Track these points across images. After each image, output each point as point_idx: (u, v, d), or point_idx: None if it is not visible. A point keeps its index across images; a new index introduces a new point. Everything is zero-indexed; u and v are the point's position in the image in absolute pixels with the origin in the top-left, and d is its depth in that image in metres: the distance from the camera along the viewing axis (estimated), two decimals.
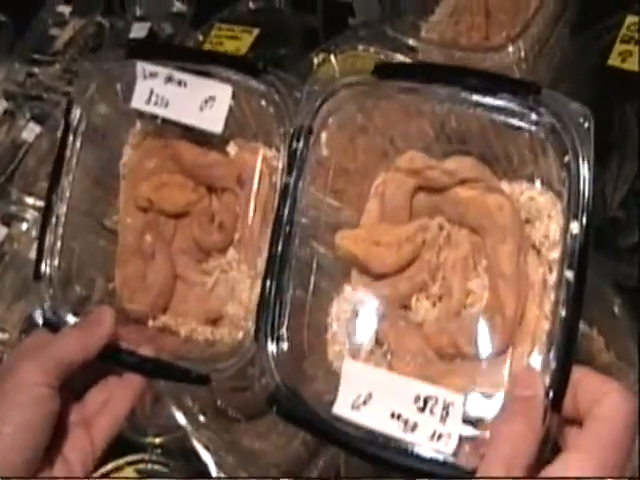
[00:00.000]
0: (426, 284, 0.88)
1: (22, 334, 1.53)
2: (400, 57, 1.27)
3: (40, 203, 1.57)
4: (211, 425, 1.22)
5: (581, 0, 1.27)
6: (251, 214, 0.99)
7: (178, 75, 0.99)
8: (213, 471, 1.19)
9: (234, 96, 0.97)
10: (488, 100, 0.80)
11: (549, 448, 0.69)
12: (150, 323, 1.05)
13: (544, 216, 0.84)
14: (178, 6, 1.87)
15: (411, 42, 1.27)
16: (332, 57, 1.33)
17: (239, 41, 1.60)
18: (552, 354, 0.73)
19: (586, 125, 0.76)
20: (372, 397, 0.80)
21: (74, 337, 0.90)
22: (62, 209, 1.04)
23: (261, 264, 0.93)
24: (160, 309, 1.06)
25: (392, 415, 0.78)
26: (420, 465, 0.76)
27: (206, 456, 1.19)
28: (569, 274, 0.73)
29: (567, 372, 0.71)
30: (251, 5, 1.70)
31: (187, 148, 1.04)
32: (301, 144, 0.89)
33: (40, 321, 0.99)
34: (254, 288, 0.95)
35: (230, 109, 0.97)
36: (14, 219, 1.68)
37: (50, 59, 1.92)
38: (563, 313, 0.73)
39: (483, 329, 0.82)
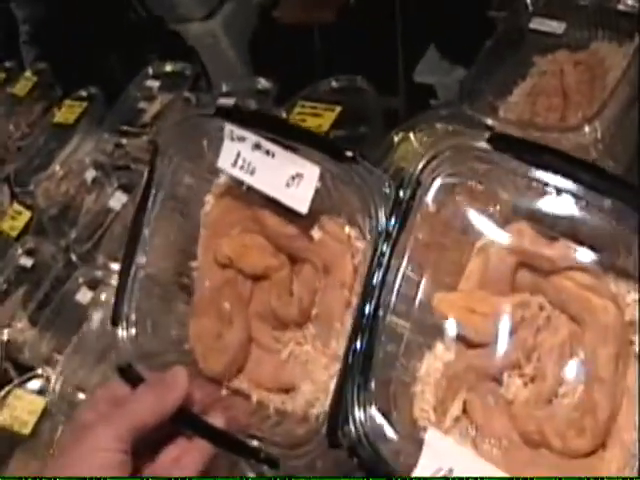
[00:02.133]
0: (520, 363, 0.88)
1: None
2: None
3: None
4: None
5: None
6: (331, 293, 1.01)
7: (266, 144, 1.00)
8: None
9: (320, 176, 0.97)
10: (600, 201, 0.82)
11: None
12: (224, 384, 1.07)
13: None
14: (263, 83, 1.93)
15: (489, 121, 1.30)
16: (411, 135, 1.35)
17: (321, 118, 1.63)
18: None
19: None
20: (453, 473, 0.81)
21: (148, 400, 0.91)
22: (141, 266, 1.09)
23: (335, 343, 0.96)
24: (234, 372, 1.07)
25: None
26: None
27: None
28: None
29: None
30: (334, 83, 1.74)
31: (270, 214, 1.05)
32: (408, 195, 0.90)
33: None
34: (328, 369, 0.98)
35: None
36: (100, 284, 1.72)
37: (138, 131, 1.98)
38: None
39: (573, 426, 0.82)
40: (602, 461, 0.81)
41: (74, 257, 1.83)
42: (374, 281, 0.89)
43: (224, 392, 1.06)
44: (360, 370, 0.88)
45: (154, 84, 2.09)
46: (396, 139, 1.40)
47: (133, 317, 1.08)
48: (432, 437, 0.85)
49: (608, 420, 0.81)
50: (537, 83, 1.40)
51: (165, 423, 0.91)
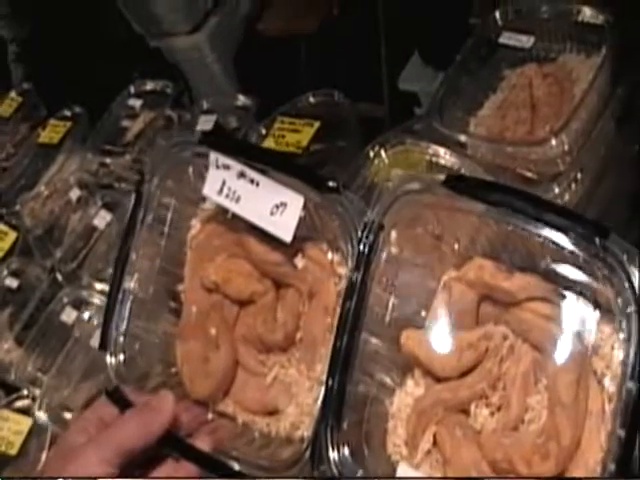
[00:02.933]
0: (486, 393, 0.90)
1: None
2: (448, 154, 1.31)
3: None
4: None
5: (626, 93, 1.31)
6: (315, 319, 1.03)
7: (251, 173, 1.02)
8: None
9: (304, 204, 1.00)
10: (555, 236, 0.84)
11: None
12: (210, 407, 1.08)
13: (607, 345, 0.86)
14: (242, 100, 1.94)
15: (460, 138, 1.32)
16: (382, 152, 1.36)
17: (300, 134, 1.64)
18: None
19: None
20: None
21: (135, 424, 0.92)
22: (129, 290, 1.11)
23: (320, 369, 0.98)
24: (220, 395, 1.09)
25: None
26: None
27: None
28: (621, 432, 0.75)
29: None
30: (311, 99, 1.75)
31: (255, 241, 1.07)
32: (371, 239, 0.93)
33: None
34: (313, 392, 1.00)
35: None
36: (84, 303, 1.73)
37: (121, 150, 1.99)
38: (617, 447, 0.75)
39: (538, 451, 0.84)
40: None
41: (60, 277, 1.84)
42: (347, 324, 0.92)
43: (210, 415, 1.08)
44: (333, 411, 0.90)
45: (136, 103, 2.10)
46: (371, 153, 1.40)
47: (121, 340, 1.10)
48: (403, 472, 0.88)
49: (571, 444, 0.82)
50: (507, 96, 1.41)
51: (152, 446, 0.92)
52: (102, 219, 1.91)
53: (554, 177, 1.27)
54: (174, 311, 1.16)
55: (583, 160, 1.27)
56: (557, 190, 1.25)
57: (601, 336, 0.87)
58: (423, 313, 0.97)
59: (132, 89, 2.13)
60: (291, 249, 1.06)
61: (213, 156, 1.04)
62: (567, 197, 1.27)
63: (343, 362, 0.91)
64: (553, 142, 1.22)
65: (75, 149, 2.11)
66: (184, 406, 1.01)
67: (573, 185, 1.27)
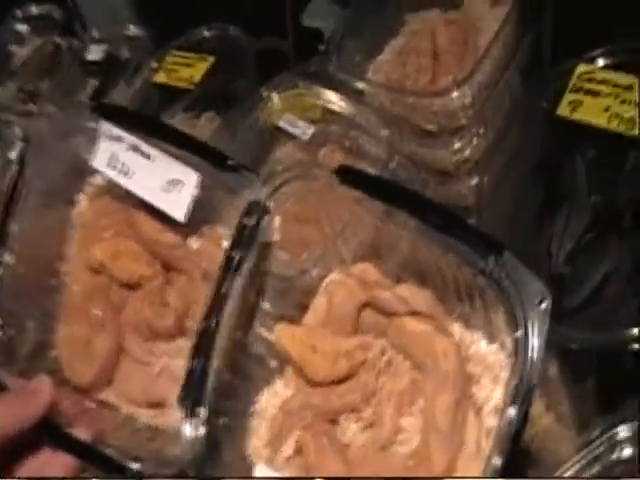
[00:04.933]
0: (358, 406, 0.85)
1: None
2: (344, 101, 1.24)
3: None
4: None
5: (532, 46, 1.25)
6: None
7: (144, 146, 0.95)
8: None
9: (201, 183, 0.94)
10: (450, 241, 0.78)
11: None
12: (91, 395, 1.02)
13: (490, 376, 0.81)
14: (134, 30, 1.84)
15: (358, 84, 1.24)
16: (275, 94, 1.29)
17: (193, 68, 1.56)
18: None
19: (543, 307, 0.73)
20: None
21: (9, 407, 0.86)
22: (7, 266, 1.02)
23: None
24: (102, 383, 1.02)
25: None
26: None
27: None
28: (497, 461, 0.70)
29: None
30: (206, 33, 1.66)
31: (146, 219, 1.01)
32: (253, 221, 0.87)
33: None
34: None
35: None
36: None
37: (5, 77, 1.88)
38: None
39: (408, 474, 0.78)
40: None
41: None
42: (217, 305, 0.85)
43: (91, 404, 1.01)
44: (192, 395, 0.83)
45: (23, 27, 1.98)
46: (265, 94, 1.33)
47: None
48: (261, 472, 0.82)
49: (444, 472, 0.76)
50: (408, 42, 1.34)
51: (27, 433, 0.85)
52: None
53: (455, 130, 1.21)
54: (55, 290, 1.07)
55: (487, 114, 1.21)
56: (458, 144, 1.21)
57: (486, 364, 0.81)
58: (298, 310, 0.91)
59: (19, 13, 2.01)
60: (185, 229, 1.00)
61: (104, 126, 0.98)
62: (468, 152, 1.22)
63: (208, 344, 0.84)
64: (455, 94, 1.15)
65: None
66: (63, 393, 0.94)
67: (475, 139, 1.21)
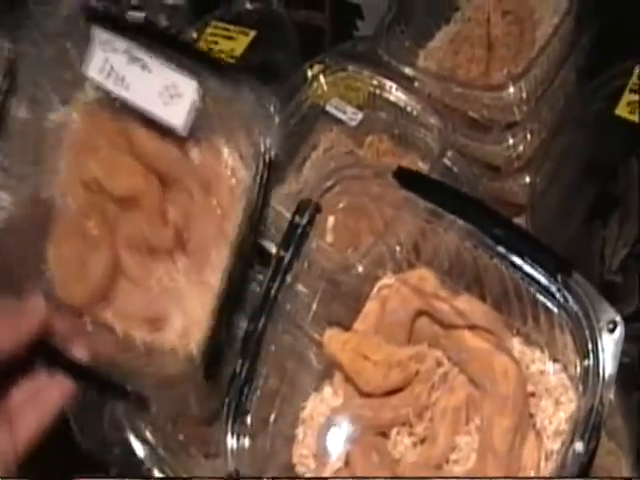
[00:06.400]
0: (410, 420, 0.80)
1: None
2: (394, 87, 1.20)
3: None
4: (170, 460, 1.13)
5: (589, 44, 1.22)
6: (207, 220, 0.95)
7: (142, 56, 0.92)
8: None
9: (200, 94, 0.90)
10: (513, 258, 0.74)
11: None
12: (86, 315, 0.99)
13: (552, 398, 0.76)
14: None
15: (408, 71, 1.21)
16: (322, 76, 1.26)
17: (234, 41, 1.53)
18: None
19: (616, 335, 0.69)
20: None
21: (1, 327, 0.84)
22: None
23: (210, 273, 0.90)
24: (98, 302, 0.99)
25: None
26: None
27: None
28: None
29: None
30: (248, 5, 1.63)
31: (143, 132, 0.97)
32: (305, 221, 0.83)
33: None
34: (201, 299, 0.92)
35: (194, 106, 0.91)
36: None
37: None
38: None
39: None
40: None
41: None
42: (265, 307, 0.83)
43: (87, 325, 0.98)
44: (236, 402, 0.81)
45: None
46: (309, 74, 1.29)
47: None
48: None
49: None
50: (461, 30, 1.31)
51: (22, 355, 0.84)
52: None
53: (508, 126, 1.18)
54: (47, 211, 1.03)
55: (541, 111, 1.18)
56: (511, 141, 1.18)
57: (547, 386, 0.77)
58: (351, 315, 0.87)
59: None
60: (182, 142, 0.96)
61: (98, 33, 0.93)
62: (521, 148, 1.19)
63: (255, 349, 0.82)
64: (511, 89, 1.12)
65: None
66: (58, 314, 0.92)
67: (529, 136, 1.18)
